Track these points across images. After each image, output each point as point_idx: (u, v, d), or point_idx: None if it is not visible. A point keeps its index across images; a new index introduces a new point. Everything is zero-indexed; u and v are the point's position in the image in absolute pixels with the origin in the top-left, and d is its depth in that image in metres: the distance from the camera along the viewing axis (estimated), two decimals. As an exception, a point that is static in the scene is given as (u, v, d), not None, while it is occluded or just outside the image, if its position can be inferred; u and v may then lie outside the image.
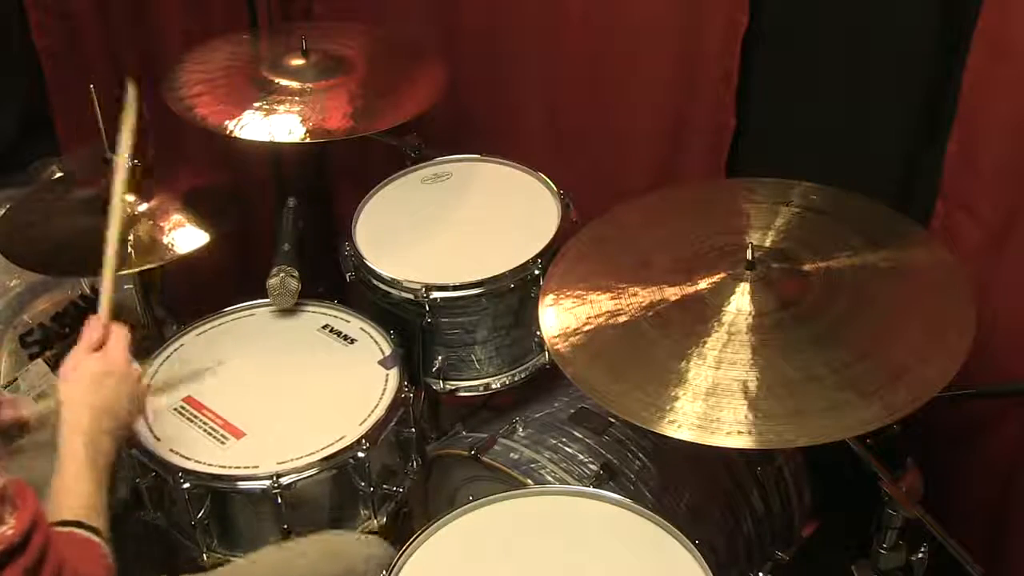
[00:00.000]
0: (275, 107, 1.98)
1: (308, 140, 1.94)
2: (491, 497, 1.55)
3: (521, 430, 1.79)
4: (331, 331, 1.89)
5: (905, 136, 1.86)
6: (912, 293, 1.50)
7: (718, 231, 1.64)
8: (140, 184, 1.92)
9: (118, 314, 1.57)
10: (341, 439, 1.66)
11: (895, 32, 1.79)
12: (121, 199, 1.68)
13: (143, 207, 1.94)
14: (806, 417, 1.32)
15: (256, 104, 1.98)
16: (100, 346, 1.48)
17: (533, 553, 1.48)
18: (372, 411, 1.72)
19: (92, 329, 1.50)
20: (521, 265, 1.86)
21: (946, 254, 1.58)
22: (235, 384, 1.79)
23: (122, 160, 1.69)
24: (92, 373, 1.44)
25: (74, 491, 1.32)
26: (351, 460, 1.66)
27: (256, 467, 1.63)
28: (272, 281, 1.89)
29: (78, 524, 1.29)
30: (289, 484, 1.61)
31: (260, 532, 1.66)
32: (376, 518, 1.73)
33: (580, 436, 1.77)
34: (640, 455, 1.75)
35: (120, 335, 1.50)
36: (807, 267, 1.54)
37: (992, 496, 1.90)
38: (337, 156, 2.60)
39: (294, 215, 2.02)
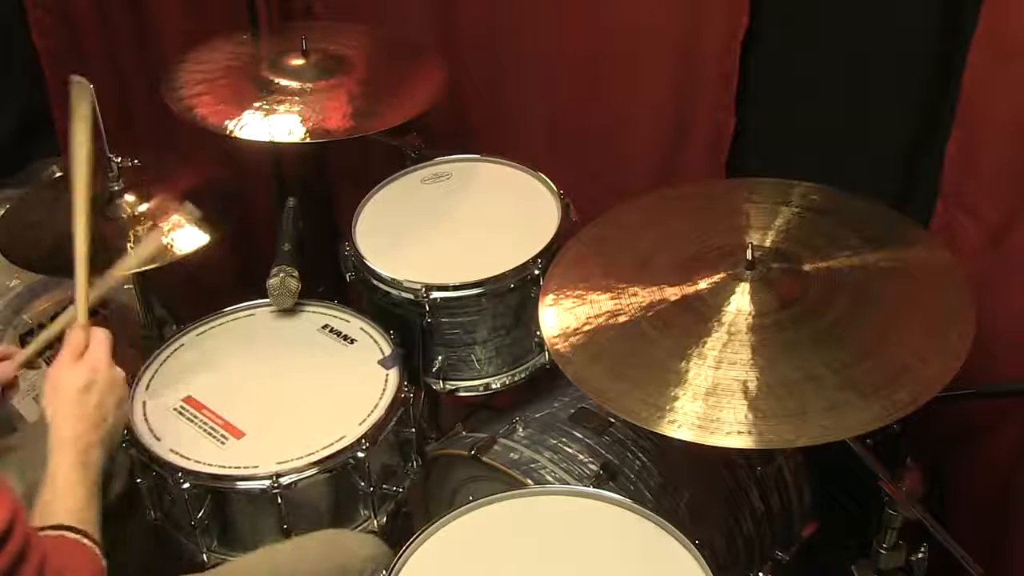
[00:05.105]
0: (275, 107, 1.98)
1: (308, 140, 1.94)
2: (491, 497, 1.55)
3: (521, 430, 1.79)
4: (331, 331, 1.89)
5: (905, 136, 1.86)
6: (912, 293, 1.50)
7: (718, 231, 1.64)
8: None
9: (105, 311, 1.54)
10: (341, 439, 1.66)
11: (895, 32, 1.79)
12: (85, 197, 1.58)
13: (143, 207, 1.94)
14: (806, 417, 1.32)
15: (256, 104, 1.98)
16: (82, 353, 1.45)
17: (533, 553, 1.48)
18: (372, 411, 1.71)
19: (73, 338, 1.46)
20: (521, 265, 1.86)
21: (946, 254, 1.58)
22: (235, 384, 1.79)
23: (80, 159, 1.60)
24: (76, 387, 1.41)
25: (64, 500, 1.32)
26: (351, 460, 1.66)
27: (256, 467, 1.63)
28: (272, 281, 1.89)
29: (68, 528, 1.28)
30: (289, 484, 1.61)
31: (260, 532, 1.66)
32: (376, 518, 1.73)
33: (580, 436, 1.77)
34: (640, 455, 1.75)
35: (100, 339, 1.47)
36: (807, 267, 1.54)
37: (992, 496, 1.90)
38: (337, 156, 2.60)
39: (294, 215, 2.02)
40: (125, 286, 2.07)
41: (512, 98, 2.31)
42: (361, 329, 1.89)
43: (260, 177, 2.44)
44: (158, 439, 1.68)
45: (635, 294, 1.55)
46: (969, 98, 1.68)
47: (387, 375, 1.79)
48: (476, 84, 2.34)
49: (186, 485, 1.61)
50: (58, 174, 2.39)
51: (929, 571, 1.54)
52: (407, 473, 1.81)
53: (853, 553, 1.59)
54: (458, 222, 2.01)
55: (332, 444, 1.65)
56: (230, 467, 1.63)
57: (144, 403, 1.74)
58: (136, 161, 1.98)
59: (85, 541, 1.28)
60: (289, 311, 1.93)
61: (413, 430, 1.79)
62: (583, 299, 1.57)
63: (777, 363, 1.39)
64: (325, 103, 2.00)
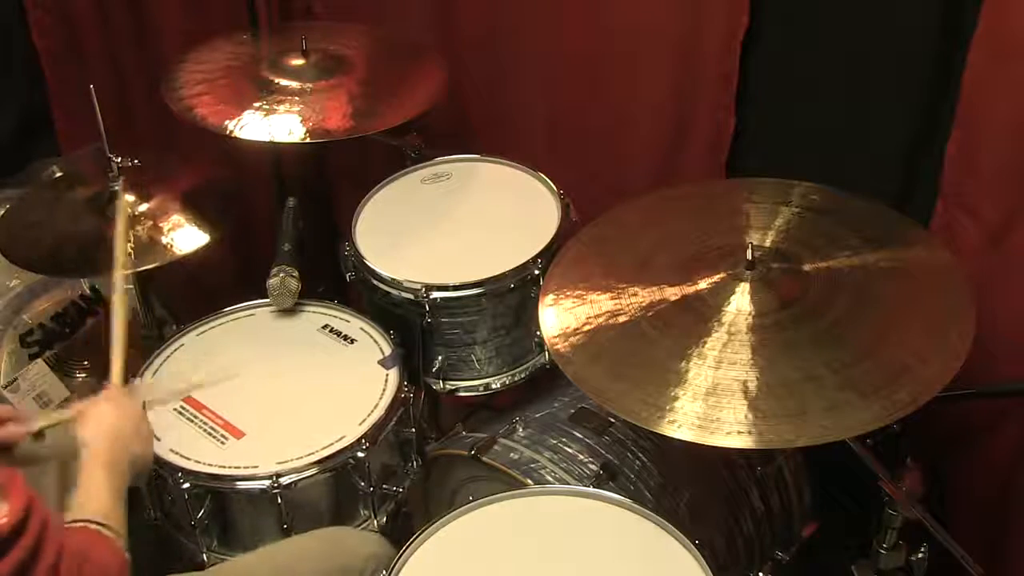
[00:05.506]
0: (275, 107, 1.98)
1: (308, 140, 1.94)
2: (491, 497, 1.55)
3: (521, 430, 1.79)
4: (331, 331, 1.89)
5: (905, 136, 1.86)
6: (912, 293, 1.50)
7: (718, 231, 1.64)
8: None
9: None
10: (341, 439, 1.66)
11: (895, 32, 1.79)
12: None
13: (143, 207, 1.94)
14: (806, 417, 1.32)
15: (256, 104, 1.98)
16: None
17: (533, 553, 1.48)
18: (372, 411, 1.72)
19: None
20: (521, 265, 1.86)
21: (946, 254, 1.58)
22: (235, 384, 1.79)
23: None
24: (112, 415, 1.49)
25: (92, 502, 1.35)
26: (351, 460, 1.66)
27: (256, 467, 1.63)
28: (272, 281, 1.89)
29: (91, 522, 1.31)
30: (289, 484, 1.61)
31: (260, 532, 1.66)
32: (376, 518, 1.74)
33: (580, 436, 1.77)
34: (640, 455, 1.75)
35: (135, 400, 1.58)
36: (807, 267, 1.54)
37: (992, 496, 1.90)
38: (337, 156, 2.60)
39: (294, 215, 2.02)
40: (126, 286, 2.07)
41: (512, 98, 2.31)
42: (361, 329, 1.89)
43: (260, 177, 2.44)
44: (158, 439, 1.67)
45: (635, 294, 1.55)
46: (969, 98, 1.68)
47: (387, 375, 1.79)
48: (476, 84, 2.34)
49: (186, 485, 1.62)
50: (58, 174, 2.39)
51: (929, 571, 1.54)
52: (407, 473, 1.81)
53: (853, 553, 1.59)
54: (458, 222, 2.01)
55: (332, 444, 1.65)
56: (230, 467, 1.63)
57: (144, 403, 1.74)
58: (136, 161, 1.98)
59: (108, 533, 1.31)
60: (289, 311, 1.93)
61: (413, 430, 1.80)
62: (583, 299, 1.57)
63: (777, 363, 1.39)
64: (325, 103, 2.00)
